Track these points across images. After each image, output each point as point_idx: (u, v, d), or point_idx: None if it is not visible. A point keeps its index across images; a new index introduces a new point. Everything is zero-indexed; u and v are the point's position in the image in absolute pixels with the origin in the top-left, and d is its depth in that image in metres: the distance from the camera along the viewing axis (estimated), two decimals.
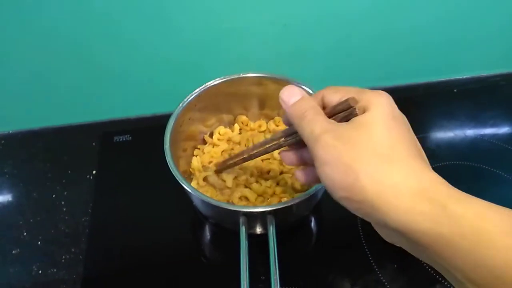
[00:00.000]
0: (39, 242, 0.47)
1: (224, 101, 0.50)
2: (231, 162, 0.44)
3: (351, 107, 0.26)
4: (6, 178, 0.54)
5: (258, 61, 0.57)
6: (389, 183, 0.22)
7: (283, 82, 0.47)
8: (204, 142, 0.52)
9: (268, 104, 0.52)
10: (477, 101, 0.61)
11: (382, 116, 0.25)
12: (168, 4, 0.50)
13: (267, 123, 0.54)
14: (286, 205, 0.37)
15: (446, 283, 0.42)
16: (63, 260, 0.46)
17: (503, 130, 0.58)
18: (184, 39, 0.54)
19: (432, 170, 0.23)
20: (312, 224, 0.49)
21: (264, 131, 0.54)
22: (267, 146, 0.36)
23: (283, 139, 0.33)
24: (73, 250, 0.46)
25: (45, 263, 0.46)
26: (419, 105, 0.61)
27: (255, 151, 0.40)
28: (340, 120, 0.27)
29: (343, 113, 0.27)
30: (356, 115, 0.26)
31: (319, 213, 0.50)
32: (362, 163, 0.23)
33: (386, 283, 0.42)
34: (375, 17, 0.55)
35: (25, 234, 0.48)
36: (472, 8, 0.57)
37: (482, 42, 0.62)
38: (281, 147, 0.34)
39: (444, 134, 0.58)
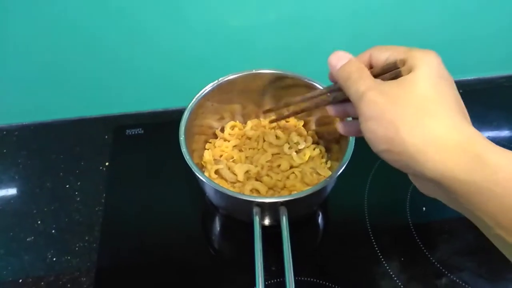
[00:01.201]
0: (53, 231, 0.48)
1: (237, 97, 0.51)
2: (285, 113, 0.46)
3: (398, 67, 0.27)
4: (20, 168, 0.55)
5: (270, 57, 0.58)
6: (428, 136, 0.24)
7: (296, 79, 0.48)
8: (215, 136, 0.54)
9: (279, 101, 0.53)
10: (483, 102, 0.63)
11: (428, 73, 0.26)
12: (181, 1, 0.51)
13: None
14: (299, 196, 0.38)
15: (452, 277, 0.43)
16: (77, 248, 0.47)
17: (508, 131, 0.60)
18: (197, 36, 0.55)
19: (472, 126, 0.25)
20: (320, 218, 0.50)
21: (274, 127, 0.55)
22: (315, 101, 0.38)
23: (328, 94, 0.35)
24: (87, 238, 0.47)
25: (59, 250, 0.47)
26: None
27: (303, 106, 0.40)
28: (387, 80, 0.28)
29: (390, 73, 0.28)
30: (401, 76, 0.27)
31: (327, 208, 0.51)
32: (404, 117, 0.25)
33: (393, 276, 0.43)
34: (383, 16, 0.56)
35: (39, 222, 0.49)
36: (477, 10, 0.58)
37: (488, 44, 0.63)
38: (329, 103, 0.35)
39: None
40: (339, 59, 0.31)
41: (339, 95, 0.33)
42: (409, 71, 0.27)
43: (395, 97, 0.26)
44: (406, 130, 0.24)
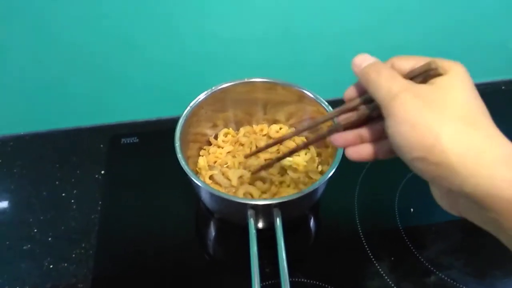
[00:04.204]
0: (49, 239, 0.49)
1: (229, 105, 0.53)
2: (274, 158, 0.43)
3: (431, 69, 0.25)
4: (15, 178, 0.55)
5: (260, 68, 0.60)
6: (472, 147, 0.22)
7: (287, 88, 0.50)
8: (209, 143, 0.55)
9: (271, 109, 0.55)
10: None
11: (462, 81, 0.24)
12: (175, 11, 0.53)
13: (268, 127, 0.56)
14: (292, 198, 0.39)
15: (440, 275, 0.45)
16: (73, 255, 0.47)
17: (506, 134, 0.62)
18: (190, 46, 0.57)
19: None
20: (312, 221, 0.52)
21: (265, 135, 0.56)
22: (320, 131, 0.35)
23: (335, 120, 0.32)
24: (83, 245, 0.48)
25: (56, 258, 0.47)
26: None
27: (308, 141, 0.38)
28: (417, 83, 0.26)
29: (420, 76, 0.26)
30: (439, 74, 0.25)
31: (319, 211, 0.52)
32: (444, 124, 0.23)
33: (384, 275, 0.45)
34: (371, 30, 0.59)
35: (35, 231, 0.50)
36: (473, 19, 0.61)
37: (486, 50, 0.66)
38: (337, 130, 0.31)
39: None
40: (365, 60, 0.29)
41: (354, 116, 0.30)
42: (442, 74, 0.25)
43: (434, 101, 0.23)
44: (447, 138, 0.22)
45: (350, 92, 0.31)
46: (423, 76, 0.26)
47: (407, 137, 0.24)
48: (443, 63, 0.25)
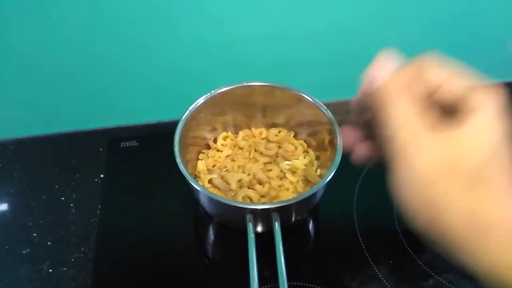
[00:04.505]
0: (49, 242, 0.49)
1: (229, 108, 0.53)
2: None
3: (455, 106, 0.22)
4: (15, 181, 0.56)
5: (260, 72, 0.60)
6: (480, 225, 0.20)
7: (286, 91, 0.50)
8: (208, 147, 0.55)
9: (270, 113, 0.55)
10: None
11: (486, 134, 0.21)
12: (175, 16, 0.53)
13: (267, 130, 0.57)
14: (291, 202, 0.39)
15: (438, 278, 0.45)
16: (73, 259, 0.47)
17: None
18: (189, 49, 0.57)
19: None
20: (311, 225, 0.52)
21: (263, 138, 0.56)
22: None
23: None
24: (82, 249, 0.48)
25: (55, 262, 0.47)
26: None
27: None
28: (436, 117, 0.23)
29: (441, 105, 0.23)
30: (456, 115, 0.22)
31: (318, 215, 0.52)
32: (453, 197, 0.20)
33: (383, 278, 0.45)
34: (377, 30, 0.59)
35: (34, 235, 0.50)
36: (472, 17, 0.61)
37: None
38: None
39: None
40: (381, 69, 0.24)
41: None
42: (463, 119, 0.21)
43: (445, 161, 0.20)
44: (453, 215, 0.20)
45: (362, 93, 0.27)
46: (448, 107, 0.23)
47: (410, 201, 0.22)
48: (476, 96, 0.22)
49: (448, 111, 0.23)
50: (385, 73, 0.24)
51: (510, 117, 0.22)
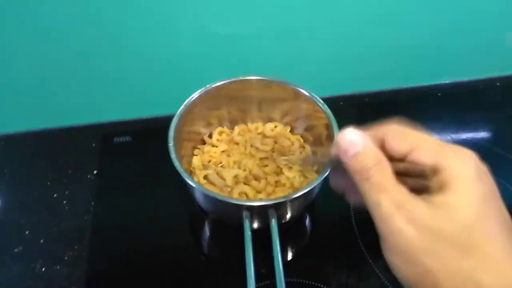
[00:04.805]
0: (41, 240, 0.48)
1: (224, 103, 0.52)
2: None
3: (426, 178, 0.22)
4: (6, 178, 0.55)
5: (256, 66, 0.59)
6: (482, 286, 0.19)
7: (282, 86, 0.49)
8: (204, 142, 0.54)
9: (266, 107, 0.54)
10: (459, 105, 0.65)
11: (469, 193, 0.21)
12: (169, 8, 0.52)
13: (263, 125, 0.56)
14: (287, 198, 0.39)
15: None
16: (66, 257, 0.47)
17: (484, 132, 0.62)
18: (184, 43, 0.56)
19: None
20: (308, 221, 0.52)
21: (259, 133, 0.56)
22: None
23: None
24: (76, 247, 0.47)
25: (48, 260, 0.46)
26: (404, 109, 0.65)
27: None
28: (411, 188, 0.22)
29: (414, 179, 0.23)
30: (430, 189, 0.22)
31: (314, 211, 0.52)
32: (444, 266, 0.20)
33: (380, 274, 0.45)
34: (374, 26, 0.59)
35: (27, 232, 0.49)
36: (469, 16, 0.61)
37: (481, 46, 0.66)
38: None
39: None
40: (352, 144, 0.24)
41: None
42: (442, 187, 0.21)
43: (432, 231, 0.20)
44: (451, 281, 0.19)
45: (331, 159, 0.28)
46: (420, 180, 0.23)
47: (401, 270, 0.22)
48: (446, 161, 0.21)
49: (416, 177, 0.23)
50: (355, 147, 0.24)
51: (489, 173, 0.22)
